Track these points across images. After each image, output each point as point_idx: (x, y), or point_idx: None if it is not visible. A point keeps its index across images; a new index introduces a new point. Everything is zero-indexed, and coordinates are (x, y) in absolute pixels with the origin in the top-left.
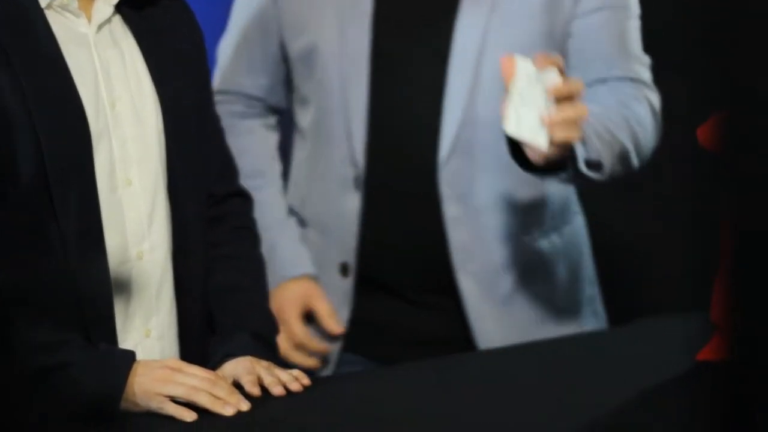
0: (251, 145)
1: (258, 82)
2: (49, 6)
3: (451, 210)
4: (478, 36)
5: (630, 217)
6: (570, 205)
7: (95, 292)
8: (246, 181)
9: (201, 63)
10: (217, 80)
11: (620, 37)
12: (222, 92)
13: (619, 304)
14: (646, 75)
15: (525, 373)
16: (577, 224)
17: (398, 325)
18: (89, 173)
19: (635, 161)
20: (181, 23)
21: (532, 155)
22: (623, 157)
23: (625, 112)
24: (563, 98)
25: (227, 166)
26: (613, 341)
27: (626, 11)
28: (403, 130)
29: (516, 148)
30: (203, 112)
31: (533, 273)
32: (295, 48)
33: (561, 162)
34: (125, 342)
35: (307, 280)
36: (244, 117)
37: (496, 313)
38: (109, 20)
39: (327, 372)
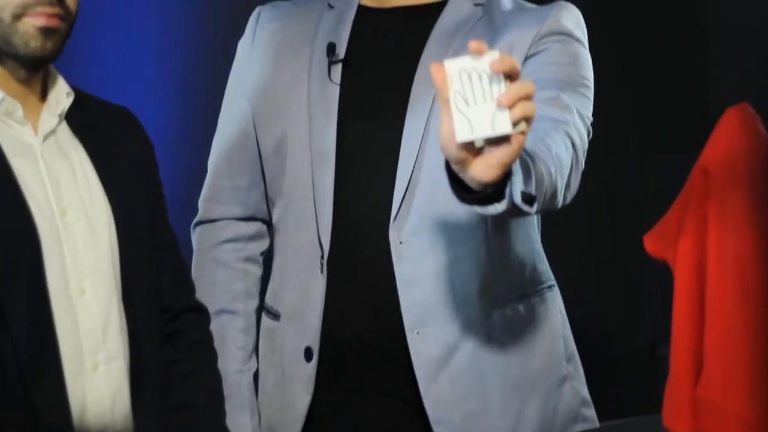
0: (225, 280)
1: (242, 190)
2: None
3: (404, 281)
4: (421, 127)
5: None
6: (539, 275)
7: (49, 404)
8: (213, 320)
9: (152, 173)
10: (204, 202)
11: (552, 84)
12: (209, 221)
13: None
14: (575, 124)
15: None
16: (550, 296)
17: (357, 415)
18: (40, 282)
19: (561, 198)
20: (130, 134)
21: (471, 181)
22: (553, 193)
23: (549, 144)
24: (509, 76)
25: (182, 280)
26: None
27: (566, 71)
28: (363, 215)
29: (455, 178)
30: (156, 223)
31: (493, 344)
32: (268, 143)
33: (496, 194)
34: None
35: None
36: (226, 249)
37: (450, 382)
38: (55, 130)
39: None
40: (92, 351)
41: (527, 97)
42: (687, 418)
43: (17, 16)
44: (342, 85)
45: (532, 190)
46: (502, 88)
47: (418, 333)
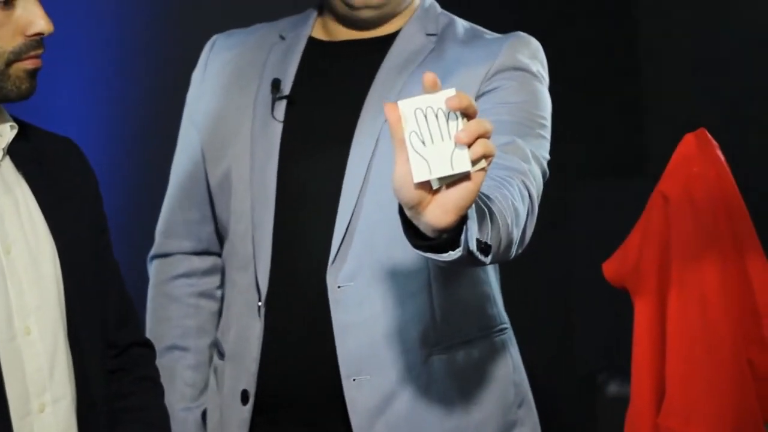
0: (177, 315)
1: (194, 224)
2: None
3: (341, 328)
4: (363, 166)
5: None
6: (488, 320)
7: None
8: (161, 357)
9: (96, 207)
10: (159, 235)
11: (507, 128)
12: (163, 255)
13: None
14: (531, 172)
15: None
16: (499, 341)
17: None
18: None
19: (515, 249)
20: (74, 167)
21: (425, 226)
22: (508, 243)
23: (505, 194)
24: (466, 114)
25: (127, 314)
26: None
27: (521, 110)
28: (301, 258)
29: (408, 224)
30: (101, 258)
31: (433, 391)
32: (214, 178)
33: (451, 241)
34: None
35: None
36: (178, 284)
37: (386, 431)
38: None
39: None
40: (39, 391)
41: (486, 135)
42: None
43: (10, 63)
44: (285, 122)
45: (488, 238)
46: (459, 125)
47: (354, 380)
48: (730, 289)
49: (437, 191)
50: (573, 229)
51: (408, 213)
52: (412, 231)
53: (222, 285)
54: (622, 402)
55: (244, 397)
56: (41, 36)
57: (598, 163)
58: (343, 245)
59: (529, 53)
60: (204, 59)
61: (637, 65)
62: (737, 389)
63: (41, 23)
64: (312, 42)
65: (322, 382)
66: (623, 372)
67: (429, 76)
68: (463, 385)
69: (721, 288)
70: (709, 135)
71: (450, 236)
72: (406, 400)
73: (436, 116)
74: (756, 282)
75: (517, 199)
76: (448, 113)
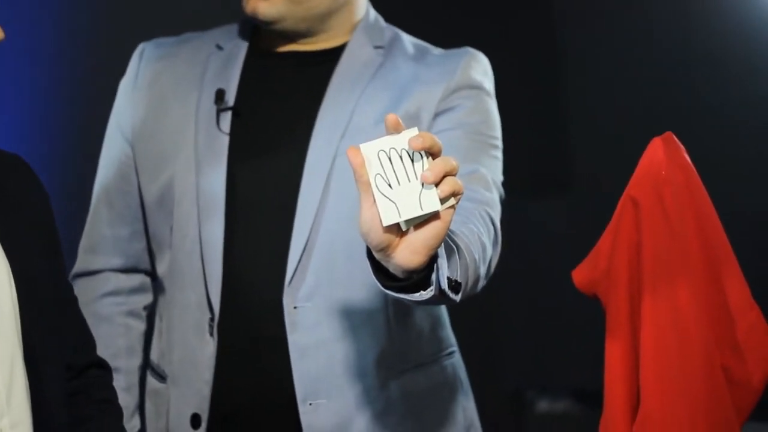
0: (107, 335)
1: (122, 240)
2: None
3: (298, 350)
4: (328, 162)
5: None
6: (439, 342)
7: None
8: None
9: (50, 228)
10: (82, 252)
11: (467, 155)
12: (89, 273)
13: None
14: (493, 200)
15: None
16: (449, 364)
17: None
18: None
19: (481, 284)
20: (25, 185)
21: (395, 268)
22: (476, 279)
23: (472, 228)
24: (430, 152)
25: (84, 336)
26: None
27: (477, 132)
28: (254, 274)
29: (377, 265)
30: (56, 280)
31: (389, 415)
32: (151, 192)
33: (422, 281)
34: None
35: None
36: (106, 303)
37: None
38: None
39: None
40: None
41: (452, 173)
42: None
43: None
44: (231, 134)
45: (458, 276)
46: (425, 165)
47: (310, 404)
48: (703, 293)
49: (406, 232)
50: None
51: (377, 255)
52: (381, 273)
53: (151, 305)
54: (552, 420)
55: (195, 421)
56: None
57: (521, 180)
58: (300, 264)
59: (482, 70)
60: (134, 69)
61: (563, 81)
62: (711, 395)
63: None
64: (253, 52)
65: (277, 406)
66: (552, 389)
67: (391, 118)
68: (416, 409)
69: (693, 293)
70: (676, 139)
71: (420, 276)
72: (363, 424)
73: (401, 157)
74: (728, 286)
75: (483, 233)
76: (413, 153)
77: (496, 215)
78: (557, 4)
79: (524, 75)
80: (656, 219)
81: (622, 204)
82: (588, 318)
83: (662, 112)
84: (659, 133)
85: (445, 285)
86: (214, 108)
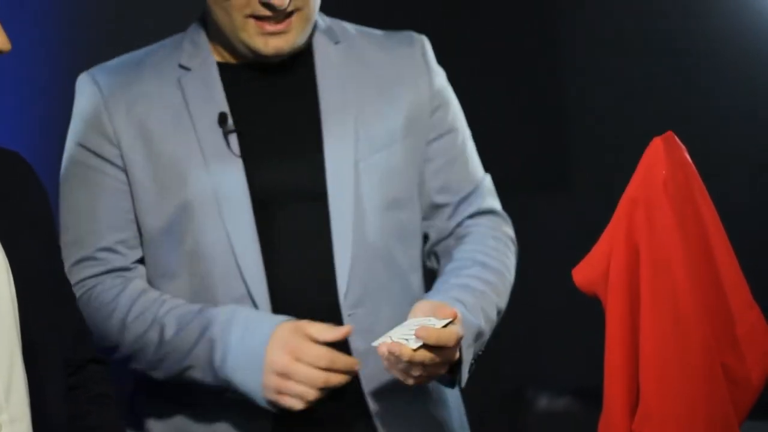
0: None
1: (117, 237)
2: None
3: (357, 346)
4: (350, 168)
5: None
6: None
7: None
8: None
9: (48, 223)
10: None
11: (467, 157)
12: (87, 258)
13: None
14: (496, 202)
15: None
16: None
17: None
18: None
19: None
20: (24, 183)
21: None
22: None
23: (502, 269)
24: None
25: (82, 331)
26: None
27: (464, 129)
28: (303, 280)
29: None
30: (55, 277)
31: (431, 396)
32: (154, 222)
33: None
34: None
35: (290, 321)
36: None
37: None
38: None
39: None
40: None
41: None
42: None
43: None
44: (243, 156)
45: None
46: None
47: (377, 402)
48: (702, 292)
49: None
50: None
51: None
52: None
53: None
54: (552, 417)
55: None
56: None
57: (519, 176)
58: (350, 273)
59: (433, 56)
60: (93, 98)
61: (562, 79)
62: (711, 393)
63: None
64: (222, 68)
65: (342, 394)
66: (552, 386)
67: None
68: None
69: (693, 291)
70: (676, 138)
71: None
72: (420, 406)
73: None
74: (728, 285)
75: (510, 266)
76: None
77: (509, 222)
78: (558, 2)
79: (523, 72)
80: (656, 218)
81: (623, 203)
82: (588, 317)
83: (663, 111)
84: (660, 132)
85: (465, 376)
86: (216, 132)
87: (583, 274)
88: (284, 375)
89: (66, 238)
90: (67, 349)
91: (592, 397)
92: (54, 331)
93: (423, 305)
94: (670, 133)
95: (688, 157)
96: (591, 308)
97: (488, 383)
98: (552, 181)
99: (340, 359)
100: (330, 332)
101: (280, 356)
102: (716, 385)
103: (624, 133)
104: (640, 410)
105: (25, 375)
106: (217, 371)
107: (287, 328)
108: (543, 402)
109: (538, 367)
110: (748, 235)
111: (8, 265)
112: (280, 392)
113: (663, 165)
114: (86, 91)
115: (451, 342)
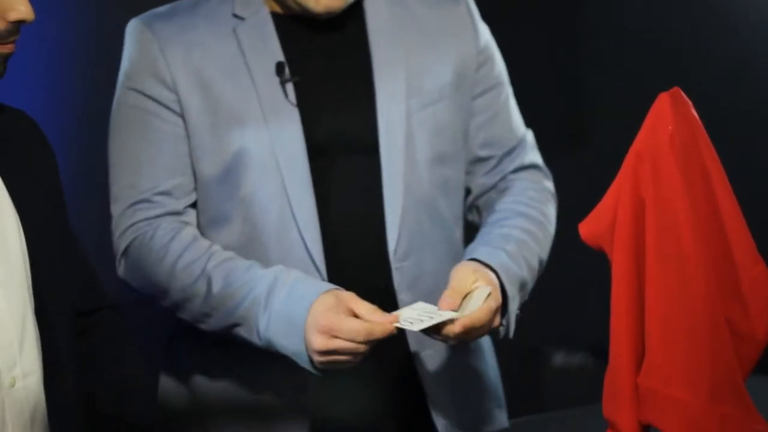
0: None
1: (174, 181)
2: None
3: (404, 298)
4: (401, 122)
5: None
6: None
7: None
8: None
9: (55, 180)
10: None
11: (510, 112)
12: (143, 200)
13: None
14: (538, 157)
15: None
16: None
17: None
18: None
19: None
20: (31, 140)
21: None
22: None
23: (543, 220)
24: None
25: (93, 282)
26: None
27: (508, 85)
28: (353, 230)
29: None
30: (63, 230)
31: (470, 347)
32: (211, 168)
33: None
34: None
35: (332, 293)
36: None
37: (452, 395)
38: None
39: None
40: (9, 366)
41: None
42: (629, 408)
43: None
44: (299, 106)
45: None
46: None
47: (421, 355)
48: (708, 246)
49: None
50: None
51: None
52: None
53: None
54: (569, 373)
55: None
56: (23, 23)
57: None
58: (400, 226)
59: (477, 12)
60: (149, 45)
61: (579, 37)
62: (716, 347)
63: (23, 10)
64: (278, 19)
65: (389, 348)
66: (569, 342)
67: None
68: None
69: (698, 246)
70: (683, 94)
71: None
72: (465, 361)
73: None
74: (733, 240)
75: (552, 218)
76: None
77: (549, 177)
78: None
79: (534, 31)
80: (662, 173)
81: (629, 158)
82: (600, 273)
83: (669, 67)
84: (667, 88)
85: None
86: (273, 82)
87: (589, 228)
88: (325, 352)
89: (121, 182)
90: (76, 300)
91: (607, 352)
92: (65, 285)
93: (463, 270)
94: (676, 89)
95: (694, 112)
96: (603, 265)
97: (505, 341)
98: (563, 137)
99: (377, 329)
100: (377, 315)
101: (316, 337)
102: (721, 338)
103: (635, 89)
104: (645, 363)
105: (37, 329)
106: (261, 333)
107: (327, 303)
108: (560, 357)
109: (555, 323)
110: (755, 191)
111: (19, 221)
112: (324, 353)
113: (669, 120)
114: (140, 37)
115: (480, 323)
